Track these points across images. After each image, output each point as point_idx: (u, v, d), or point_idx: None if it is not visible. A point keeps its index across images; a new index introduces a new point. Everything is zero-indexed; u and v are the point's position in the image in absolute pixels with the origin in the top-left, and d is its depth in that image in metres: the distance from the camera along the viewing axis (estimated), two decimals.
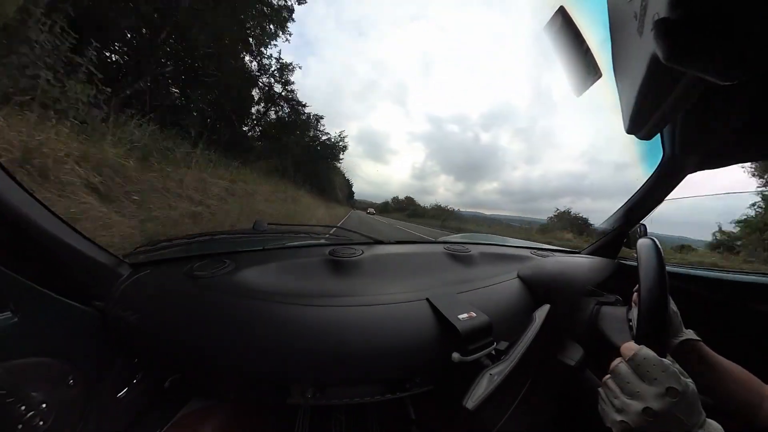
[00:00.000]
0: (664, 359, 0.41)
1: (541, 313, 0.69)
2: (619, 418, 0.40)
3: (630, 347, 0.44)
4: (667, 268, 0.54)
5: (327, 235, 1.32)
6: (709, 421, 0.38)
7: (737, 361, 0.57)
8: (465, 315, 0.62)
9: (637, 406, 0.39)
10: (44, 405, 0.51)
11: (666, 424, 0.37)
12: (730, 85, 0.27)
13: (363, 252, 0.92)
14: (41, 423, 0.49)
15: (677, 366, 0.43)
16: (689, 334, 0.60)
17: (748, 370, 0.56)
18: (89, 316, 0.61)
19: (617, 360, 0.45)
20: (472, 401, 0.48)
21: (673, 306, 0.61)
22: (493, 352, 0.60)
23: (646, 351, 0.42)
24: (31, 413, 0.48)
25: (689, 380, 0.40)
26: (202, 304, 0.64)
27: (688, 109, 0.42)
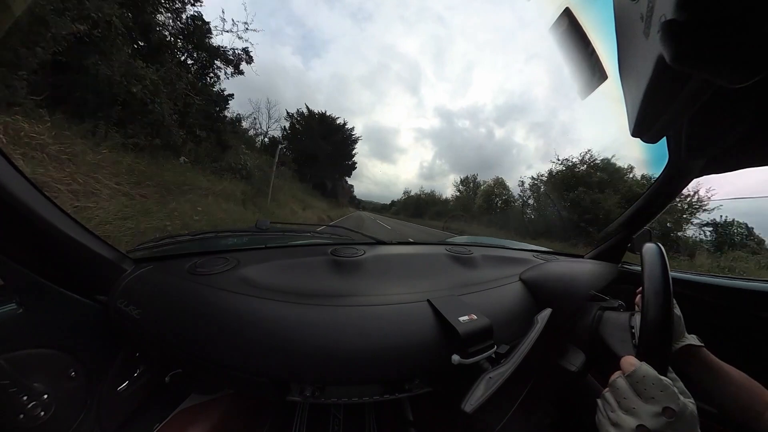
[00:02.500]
0: (663, 378, 0.40)
1: (543, 317, 0.68)
2: (612, 431, 0.40)
3: (630, 362, 0.44)
4: (672, 273, 0.53)
5: (329, 235, 1.32)
6: None
7: (742, 368, 0.57)
8: (466, 317, 0.62)
9: (631, 422, 0.39)
10: (46, 396, 0.51)
11: None
12: (738, 88, 0.27)
13: (365, 252, 0.92)
14: (42, 413, 0.50)
15: (680, 384, 0.43)
16: (691, 339, 0.59)
17: (752, 378, 0.55)
18: (92, 310, 0.62)
19: (617, 374, 0.44)
20: (470, 404, 0.47)
21: (676, 310, 0.61)
22: (494, 355, 0.60)
23: (646, 369, 0.41)
24: (32, 404, 0.49)
25: (690, 400, 0.40)
26: (204, 300, 0.64)
27: (695, 112, 0.42)
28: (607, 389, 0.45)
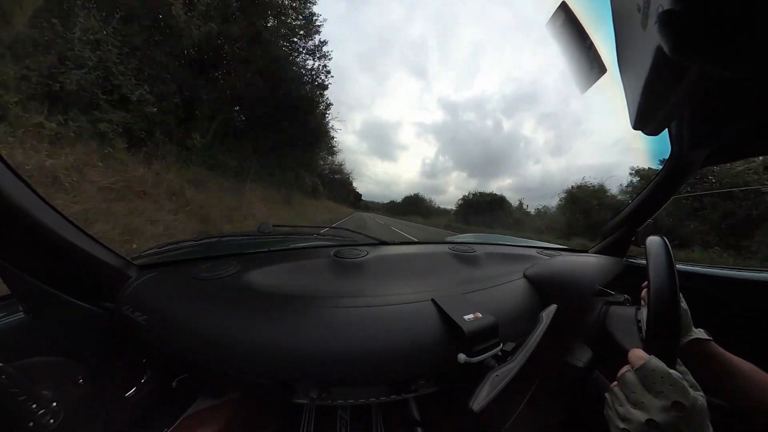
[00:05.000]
0: (673, 372, 0.40)
1: (548, 313, 0.68)
2: (621, 426, 0.40)
3: (639, 355, 0.43)
4: (678, 266, 0.52)
5: (332, 237, 1.33)
6: None
7: (752, 361, 0.56)
8: (471, 315, 0.62)
9: (640, 416, 0.38)
10: (54, 403, 0.51)
11: None
12: (739, 77, 0.27)
13: (368, 253, 0.92)
14: (51, 421, 0.50)
15: (689, 377, 0.42)
16: (699, 333, 0.59)
17: (763, 371, 0.54)
18: (99, 317, 0.62)
19: (625, 367, 0.44)
20: (477, 403, 0.47)
21: (683, 304, 0.60)
22: (500, 353, 0.59)
23: (655, 362, 0.41)
24: (41, 411, 0.49)
25: (700, 394, 0.39)
26: (209, 305, 0.64)
27: (696, 103, 0.42)
28: (615, 383, 0.44)
